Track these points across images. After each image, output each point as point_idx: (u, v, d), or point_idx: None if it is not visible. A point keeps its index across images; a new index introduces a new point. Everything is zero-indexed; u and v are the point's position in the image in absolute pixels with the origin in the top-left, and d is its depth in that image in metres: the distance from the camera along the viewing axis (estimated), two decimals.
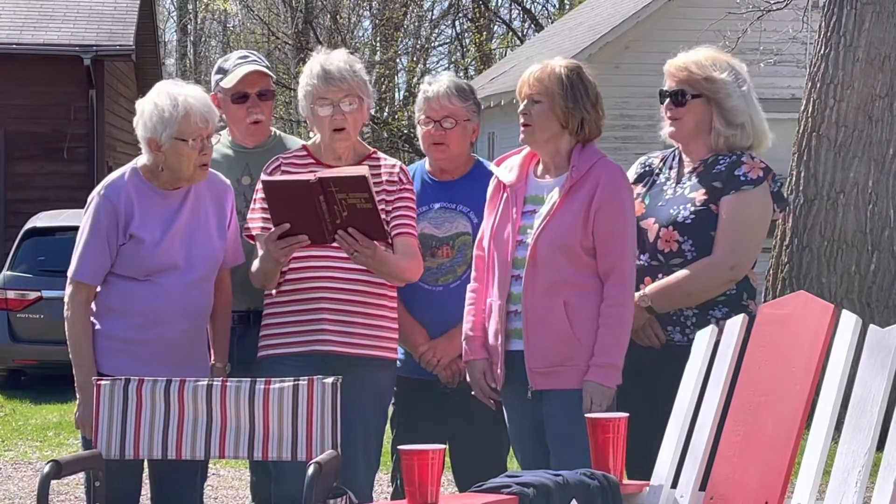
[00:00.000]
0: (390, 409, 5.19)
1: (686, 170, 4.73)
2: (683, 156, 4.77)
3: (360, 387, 4.67)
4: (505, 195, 4.62)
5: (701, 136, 4.71)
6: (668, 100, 4.73)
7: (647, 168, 4.85)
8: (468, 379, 4.70)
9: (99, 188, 4.65)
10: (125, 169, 4.68)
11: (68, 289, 4.62)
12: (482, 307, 4.66)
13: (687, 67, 4.70)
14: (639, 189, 4.78)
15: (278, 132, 5.29)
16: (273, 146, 5.16)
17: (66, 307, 4.62)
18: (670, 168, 4.78)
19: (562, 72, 4.54)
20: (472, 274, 4.73)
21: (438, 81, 5.06)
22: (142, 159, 4.66)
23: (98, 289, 4.62)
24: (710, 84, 4.66)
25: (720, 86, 4.65)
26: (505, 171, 4.66)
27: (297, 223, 4.51)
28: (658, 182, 4.77)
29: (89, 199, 4.66)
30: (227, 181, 4.81)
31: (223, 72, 5.17)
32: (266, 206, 4.64)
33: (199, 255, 4.63)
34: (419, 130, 5.10)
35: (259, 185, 4.73)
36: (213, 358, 4.76)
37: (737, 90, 4.66)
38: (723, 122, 4.66)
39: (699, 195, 4.63)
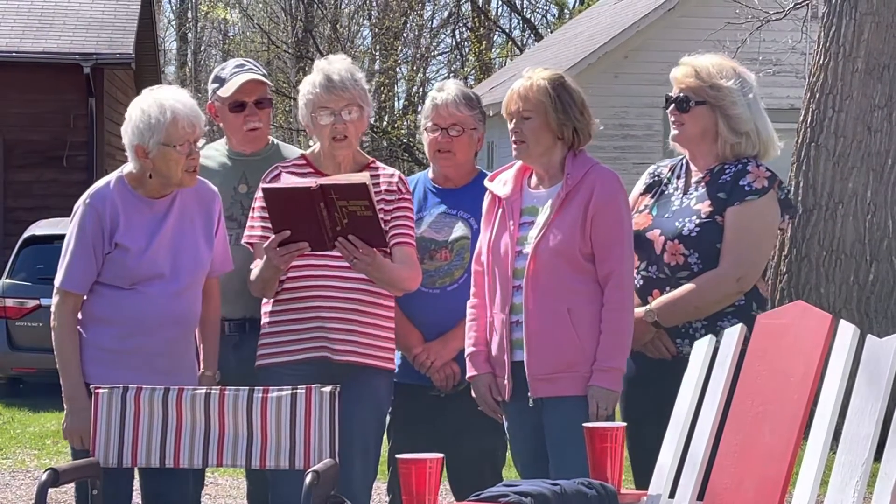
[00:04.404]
0: (387, 419, 5.19)
1: (693, 179, 4.72)
2: (690, 164, 4.77)
3: (359, 395, 4.67)
4: (500, 210, 4.62)
5: (707, 143, 4.70)
6: (672, 105, 4.73)
7: (656, 178, 4.84)
8: (474, 394, 4.70)
9: (84, 197, 4.63)
10: (111, 177, 4.66)
11: (55, 298, 4.61)
12: (483, 322, 4.66)
13: (693, 74, 4.68)
14: (647, 200, 4.77)
15: (276, 141, 5.29)
16: (271, 154, 5.16)
17: (52, 317, 4.60)
18: (678, 177, 4.77)
19: (546, 84, 4.54)
20: (472, 290, 4.73)
21: (447, 89, 5.07)
22: (127, 167, 4.65)
23: (84, 298, 4.61)
24: (716, 92, 4.65)
25: (725, 93, 4.64)
26: (499, 185, 4.67)
27: (297, 230, 4.51)
28: (666, 192, 4.76)
29: (75, 208, 4.64)
30: (214, 188, 4.79)
31: (220, 81, 5.16)
32: (266, 214, 4.63)
33: (185, 264, 4.61)
34: (425, 137, 5.10)
35: (259, 194, 4.73)
36: (201, 366, 4.74)
37: (742, 98, 4.65)
38: (728, 129, 4.65)
39: (704, 207, 4.62)
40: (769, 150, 4.72)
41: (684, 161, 4.80)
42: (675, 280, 4.62)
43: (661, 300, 4.60)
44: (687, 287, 4.57)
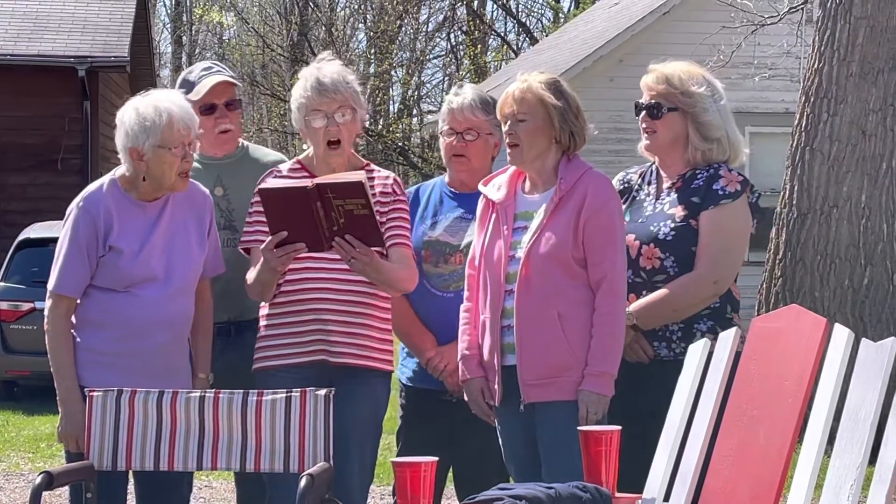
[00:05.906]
0: (397, 423, 5.19)
1: (664, 185, 4.77)
2: (661, 171, 4.80)
3: (356, 397, 4.66)
4: (494, 214, 4.62)
5: (677, 149, 4.74)
6: (643, 112, 4.75)
7: (625, 185, 4.88)
8: (466, 398, 4.70)
9: (77, 200, 4.63)
10: (103, 180, 4.66)
11: (48, 302, 4.59)
12: (476, 326, 4.65)
13: (664, 81, 4.72)
14: None
15: (246, 143, 5.28)
16: (242, 156, 5.17)
17: (46, 321, 4.59)
18: (648, 184, 4.81)
19: (542, 87, 4.54)
20: (465, 293, 4.72)
21: (463, 93, 5.06)
22: (120, 170, 4.65)
23: (78, 301, 4.60)
24: (687, 98, 4.69)
25: (697, 100, 4.68)
26: (493, 189, 4.67)
27: (294, 231, 4.49)
28: (638, 199, 4.80)
29: (68, 211, 4.64)
30: (206, 191, 4.78)
31: (188, 85, 5.11)
32: (262, 218, 4.62)
33: (178, 266, 4.60)
34: (441, 141, 5.10)
35: (255, 198, 4.71)
36: (195, 369, 4.73)
37: (713, 105, 4.70)
38: (699, 136, 4.69)
39: (678, 211, 4.65)
40: (738, 156, 4.78)
41: (654, 167, 4.84)
42: (651, 284, 4.64)
43: (639, 303, 4.63)
44: (664, 290, 4.61)
